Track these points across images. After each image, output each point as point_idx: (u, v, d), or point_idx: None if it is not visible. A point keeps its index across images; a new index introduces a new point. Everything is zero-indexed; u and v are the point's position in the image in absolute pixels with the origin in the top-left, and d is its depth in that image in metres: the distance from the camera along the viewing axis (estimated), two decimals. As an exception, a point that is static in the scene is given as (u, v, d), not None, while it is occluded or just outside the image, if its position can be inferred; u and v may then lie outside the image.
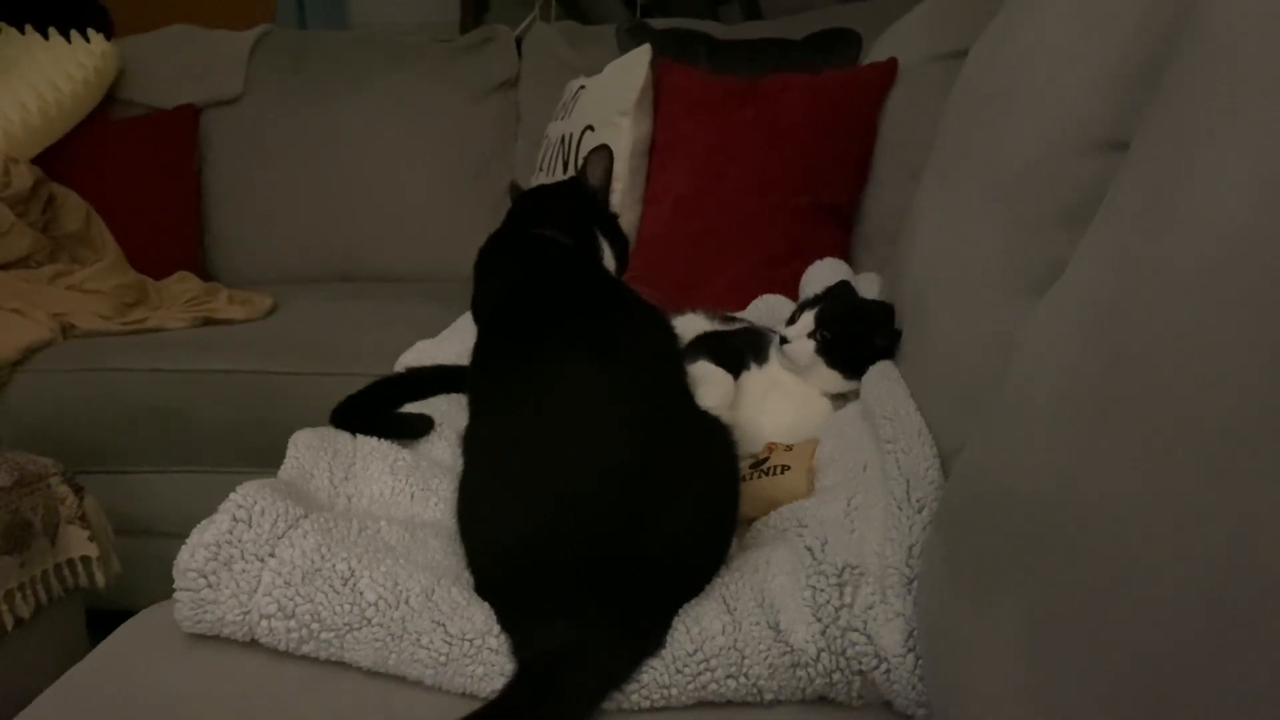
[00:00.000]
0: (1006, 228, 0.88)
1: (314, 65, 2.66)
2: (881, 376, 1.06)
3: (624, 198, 1.96)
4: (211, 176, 2.61)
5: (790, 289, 1.61)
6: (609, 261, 1.28)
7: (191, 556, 0.81)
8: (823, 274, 1.54)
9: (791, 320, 1.21)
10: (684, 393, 1.01)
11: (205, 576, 0.81)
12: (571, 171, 1.89)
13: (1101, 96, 0.77)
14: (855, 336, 1.15)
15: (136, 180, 2.49)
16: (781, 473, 1.01)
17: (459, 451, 1.01)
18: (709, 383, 1.14)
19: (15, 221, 2.23)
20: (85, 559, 1.47)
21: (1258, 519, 0.38)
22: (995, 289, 0.87)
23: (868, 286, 1.40)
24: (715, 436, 0.95)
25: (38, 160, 2.37)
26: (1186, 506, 0.42)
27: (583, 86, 2.20)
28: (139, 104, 2.62)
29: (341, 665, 0.80)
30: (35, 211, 2.31)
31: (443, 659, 0.77)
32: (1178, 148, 0.53)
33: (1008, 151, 0.91)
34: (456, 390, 1.19)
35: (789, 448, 1.07)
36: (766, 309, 1.57)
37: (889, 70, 1.86)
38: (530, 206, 1.35)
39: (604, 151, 1.33)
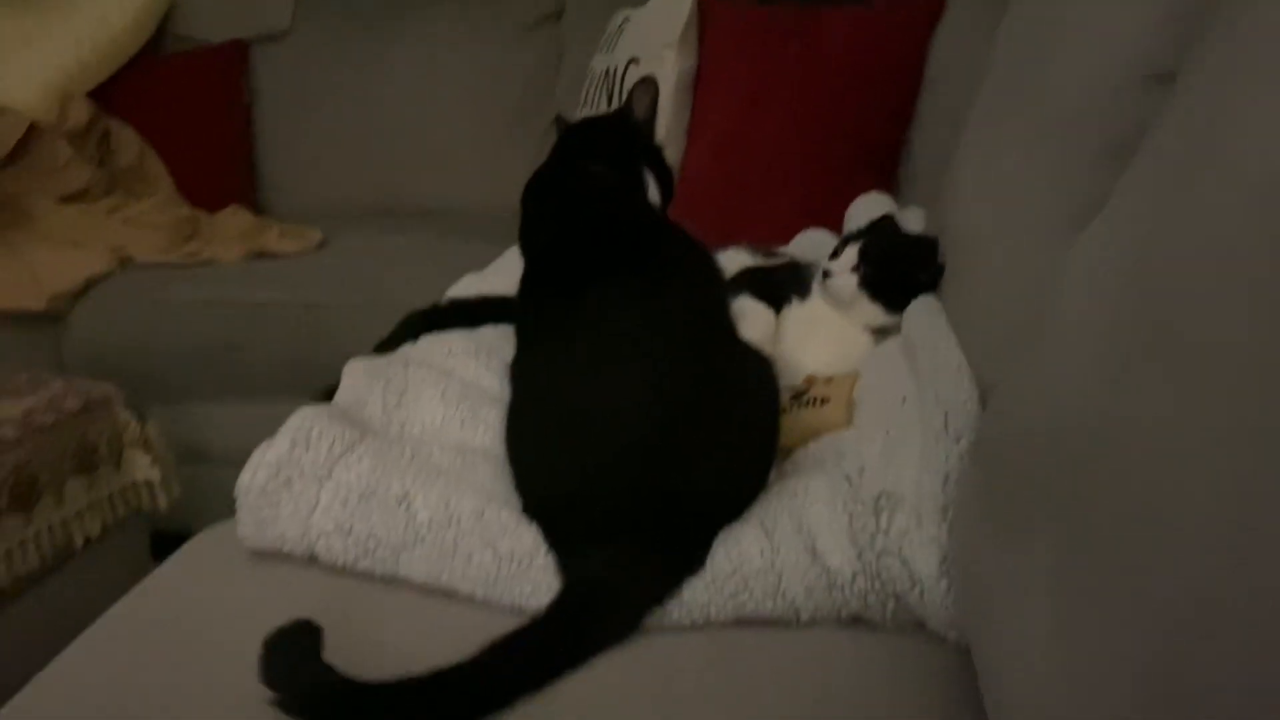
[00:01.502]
0: (1053, 164, 0.88)
1: (360, -1, 2.66)
2: (923, 311, 1.07)
3: (668, 132, 1.95)
4: (260, 112, 2.64)
5: (832, 226, 1.60)
6: (654, 195, 1.29)
7: (253, 476, 0.85)
8: (867, 208, 1.53)
9: (835, 254, 1.21)
10: (727, 327, 1.03)
11: (266, 495, 0.84)
12: (615, 105, 1.89)
13: (1153, 30, 0.76)
14: (899, 271, 1.15)
15: (188, 115, 2.53)
16: (821, 405, 1.02)
17: (506, 381, 1.03)
18: (751, 318, 1.15)
19: (72, 156, 2.27)
20: (148, 482, 1.53)
21: None
22: (1041, 225, 0.87)
23: (912, 220, 1.39)
24: (756, 370, 0.97)
25: (92, 95, 2.41)
26: (1217, 440, 0.43)
27: (627, 19, 2.18)
28: (189, 39, 2.64)
29: (396, 580, 0.84)
30: (91, 146, 2.36)
31: (492, 577, 0.80)
32: (1222, 87, 0.53)
33: (1056, 86, 0.91)
34: (504, 320, 1.21)
35: (829, 380, 1.08)
36: (810, 243, 1.56)
37: (937, 4, 1.83)
38: (576, 140, 1.36)
39: (649, 83, 1.32)
